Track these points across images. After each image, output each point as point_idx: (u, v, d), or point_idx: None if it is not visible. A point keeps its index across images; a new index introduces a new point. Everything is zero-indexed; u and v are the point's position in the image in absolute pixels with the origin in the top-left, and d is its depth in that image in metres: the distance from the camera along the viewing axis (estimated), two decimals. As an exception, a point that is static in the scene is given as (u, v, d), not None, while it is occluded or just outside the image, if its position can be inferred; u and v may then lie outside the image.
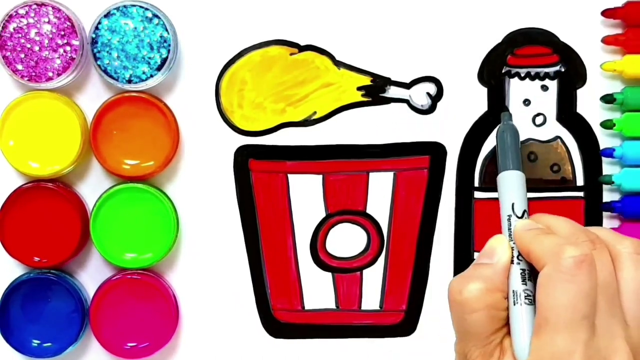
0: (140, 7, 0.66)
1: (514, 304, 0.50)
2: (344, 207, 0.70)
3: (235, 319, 0.70)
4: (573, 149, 0.69)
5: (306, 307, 0.70)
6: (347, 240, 0.70)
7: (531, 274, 0.51)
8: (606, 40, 0.68)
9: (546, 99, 0.69)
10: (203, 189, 0.69)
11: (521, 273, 0.51)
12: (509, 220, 0.53)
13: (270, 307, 0.70)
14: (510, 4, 0.68)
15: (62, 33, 0.66)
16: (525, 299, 0.50)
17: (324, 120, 0.69)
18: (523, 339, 0.49)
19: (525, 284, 0.51)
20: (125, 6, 0.66)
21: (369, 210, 0.70)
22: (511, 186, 0.54)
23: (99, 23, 0.66)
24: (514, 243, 0.52)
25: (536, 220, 0.53)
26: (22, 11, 0.66)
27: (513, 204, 0.53)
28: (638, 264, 0.50)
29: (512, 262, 0.51)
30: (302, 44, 0.69)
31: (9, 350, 0.68)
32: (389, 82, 0.69)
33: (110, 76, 0.66)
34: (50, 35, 0.66)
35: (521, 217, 0.53)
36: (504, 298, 0.51)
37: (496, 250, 0.52)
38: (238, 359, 0.70)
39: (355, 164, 0.69)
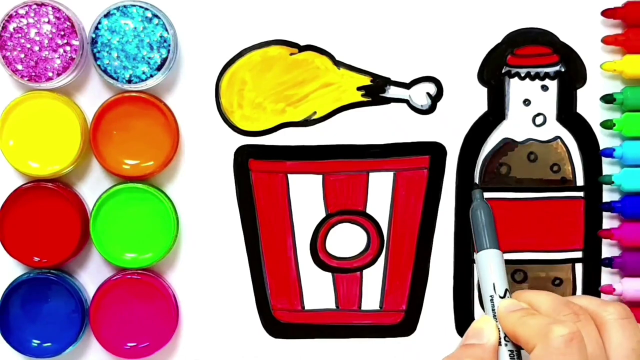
0: (140, 7, 0.66)
1: None
2: (344, 207, 0.70)
3: (235, 319, 0.70)
4: (573, 149, 0.69)
5: (306, 307, 0.70)
6: (347, 240, 0.70)
7: (519, 354, 0.51)
8: (606, 40, 0.68)
9: (546, 99, 0.69)
10: (203, 189, 0.69)
11: (510, 355, 0.51)
12: (491, 300, 0.53)
13: (270, 307, 0.70)
14: (510, 4, 0.68)
15: (62, 33, 0.66)
16: None
17: (324, 120, 0.69)
18: None
19: None
20: (125, 6, 0.66)
21: (369, 210, 0.69)
22: (490, 266, 0.54)
23: (99, 23, 0.66)
24: (499, 324, 0.52)
25: (517, 298, 0.53)
26: (22, 11, 0.66)
27: (494, 284, 0.53)
28: (625, 329, 0.50)
29: (499, 343, 0.52)
30: (302, 44, 0.69)
31: (9, 350, 0.68)
32: (389, 82, 0.69)
33: (110, 76, 0.66)
34: (50, 35, 0.66)
35: (503, 297, 0.53)
36: None
37: (484, 331, 0.52)
38: (238, 359, 0.70)
39: (355, 164, 0.69)
